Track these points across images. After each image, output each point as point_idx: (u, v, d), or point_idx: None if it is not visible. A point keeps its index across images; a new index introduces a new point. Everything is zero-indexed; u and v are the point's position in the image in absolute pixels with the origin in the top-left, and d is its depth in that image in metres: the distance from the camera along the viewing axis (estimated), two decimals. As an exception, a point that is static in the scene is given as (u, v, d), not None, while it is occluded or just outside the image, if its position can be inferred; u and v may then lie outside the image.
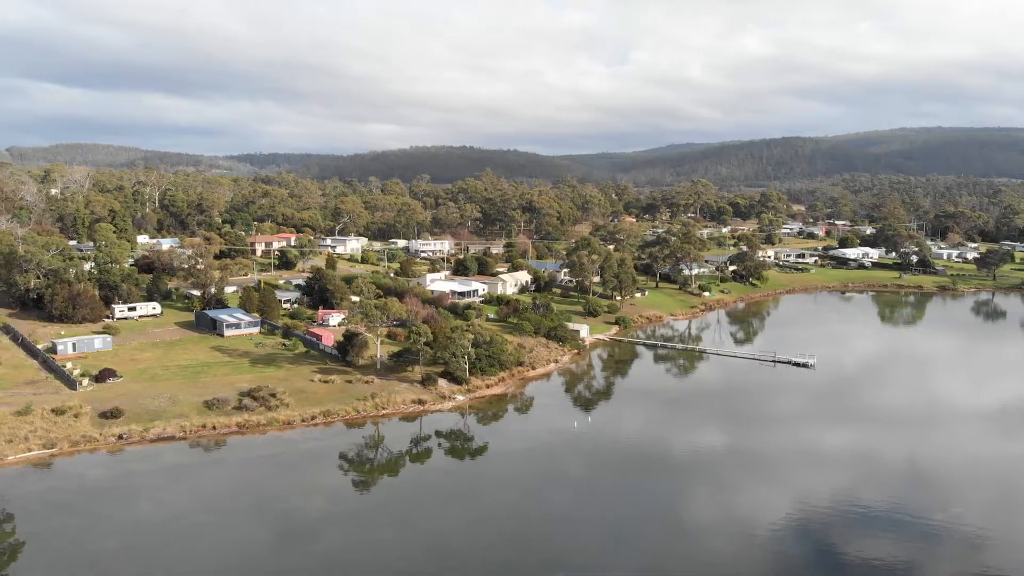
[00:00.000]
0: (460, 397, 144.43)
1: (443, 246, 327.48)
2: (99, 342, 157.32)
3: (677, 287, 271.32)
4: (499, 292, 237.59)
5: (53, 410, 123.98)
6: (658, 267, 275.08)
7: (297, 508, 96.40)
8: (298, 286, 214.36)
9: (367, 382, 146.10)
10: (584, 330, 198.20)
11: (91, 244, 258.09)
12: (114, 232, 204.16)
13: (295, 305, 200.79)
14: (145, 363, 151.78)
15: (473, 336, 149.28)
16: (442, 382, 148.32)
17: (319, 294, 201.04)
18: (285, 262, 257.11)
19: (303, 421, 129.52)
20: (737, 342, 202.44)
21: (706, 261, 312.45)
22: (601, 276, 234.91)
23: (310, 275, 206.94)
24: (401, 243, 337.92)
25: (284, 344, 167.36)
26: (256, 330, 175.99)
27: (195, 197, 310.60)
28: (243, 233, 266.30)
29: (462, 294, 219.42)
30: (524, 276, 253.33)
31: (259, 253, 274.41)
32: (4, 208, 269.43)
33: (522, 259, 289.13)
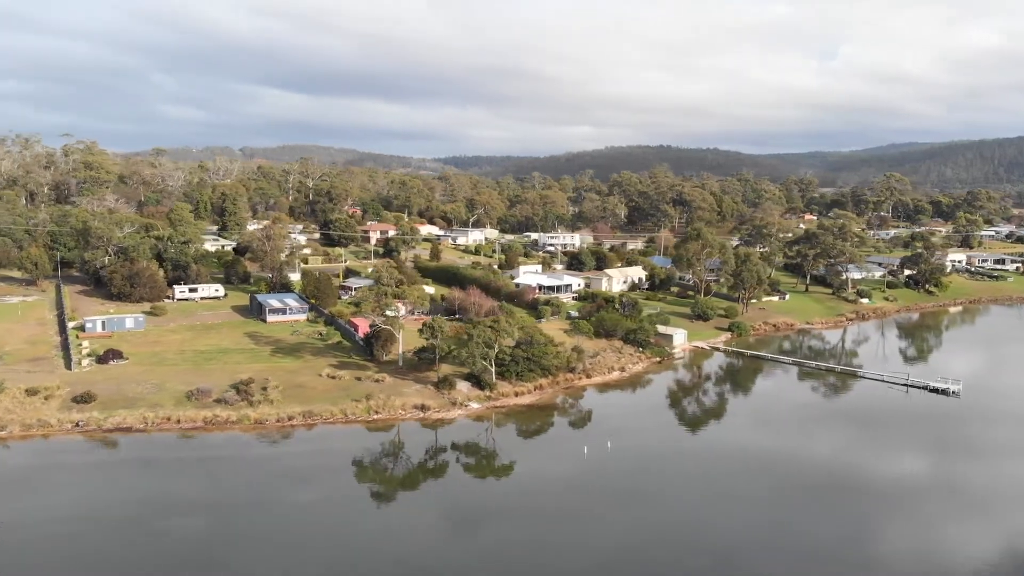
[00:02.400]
0: (475, 405, 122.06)
1: (574, 240, 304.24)
2: (130, 322, 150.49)
3: (830, 291, 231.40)
4: (603, 288, 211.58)
5: (27, 390, 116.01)
6: (808, 267, 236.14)
7: (168, 530, 79.00)
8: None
9: (377, 380, 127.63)
10: (679, 335, 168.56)
11: (211, 227, 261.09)
12: (192, 212, 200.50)
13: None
14: (164, 346, 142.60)
15: (498, 334, 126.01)
16: (463, 386, 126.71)
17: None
18: (388, 251, 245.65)
19: (278, 421, 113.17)
20: (873, 359, 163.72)
21: (878, 264, 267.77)
22: (716, 274, 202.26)
23: (385, 263, 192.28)
24: (534, 236, 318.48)
25: (320, 333, 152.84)
26: (303, 317, 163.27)
27: (326, 186, 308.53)
28: (355, 221, 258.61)
29: (549, 288, 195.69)
30: (637, 272, 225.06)
31: (373, 241, 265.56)
32: (142, 192, 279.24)
33: (642, 256, 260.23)
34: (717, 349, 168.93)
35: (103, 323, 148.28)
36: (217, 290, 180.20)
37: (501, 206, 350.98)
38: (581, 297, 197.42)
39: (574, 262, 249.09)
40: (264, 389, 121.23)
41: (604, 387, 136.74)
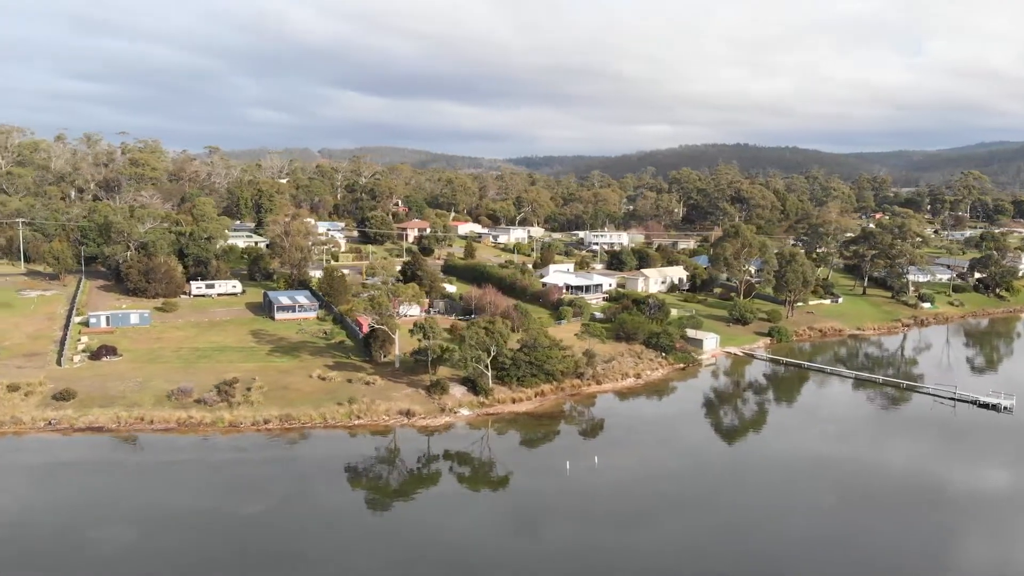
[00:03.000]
0: (465, 412, 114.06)
1: (621, 238, 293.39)
2: (135, 318, 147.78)
3: (889, 295, 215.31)
4: (639, 289, 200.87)
5: (8, 386, 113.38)
6: (866, 269, 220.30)
7: (86, 543, 73.42)
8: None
9: (368, 383, 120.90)
10: (710, 340, 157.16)
11: (249, 224, 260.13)
12: (215, 208, 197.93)
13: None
14: (164, 343, 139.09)
15: (494, 336, 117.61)
16: (457, 391, 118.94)
17: (409, 280, 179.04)
18: (423, 248, 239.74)
19: (253, 424, 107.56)
20: (922, 369, 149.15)
21: (946, 266, 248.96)
22: (760, 275, 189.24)
23: (407, 260, 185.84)
24: (581, 235, 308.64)
25: (325, 332, 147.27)
26: (312, 315, 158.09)
27: (369, 184, 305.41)
28: (390, 218, 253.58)
29: (577, 288, 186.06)
30: (678, 273, 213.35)
31: (411, 239, 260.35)
32: (188, 187, 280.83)
33: (691, 255, 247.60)
34: (751, 356, 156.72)
35: (107, 318, 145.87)
36: (235, 286, 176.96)
37: (549, 204, 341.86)
38: (612, 298, 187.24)
39: (614, 261, 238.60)
40: (248, 390, 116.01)
41: (615, 395, 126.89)
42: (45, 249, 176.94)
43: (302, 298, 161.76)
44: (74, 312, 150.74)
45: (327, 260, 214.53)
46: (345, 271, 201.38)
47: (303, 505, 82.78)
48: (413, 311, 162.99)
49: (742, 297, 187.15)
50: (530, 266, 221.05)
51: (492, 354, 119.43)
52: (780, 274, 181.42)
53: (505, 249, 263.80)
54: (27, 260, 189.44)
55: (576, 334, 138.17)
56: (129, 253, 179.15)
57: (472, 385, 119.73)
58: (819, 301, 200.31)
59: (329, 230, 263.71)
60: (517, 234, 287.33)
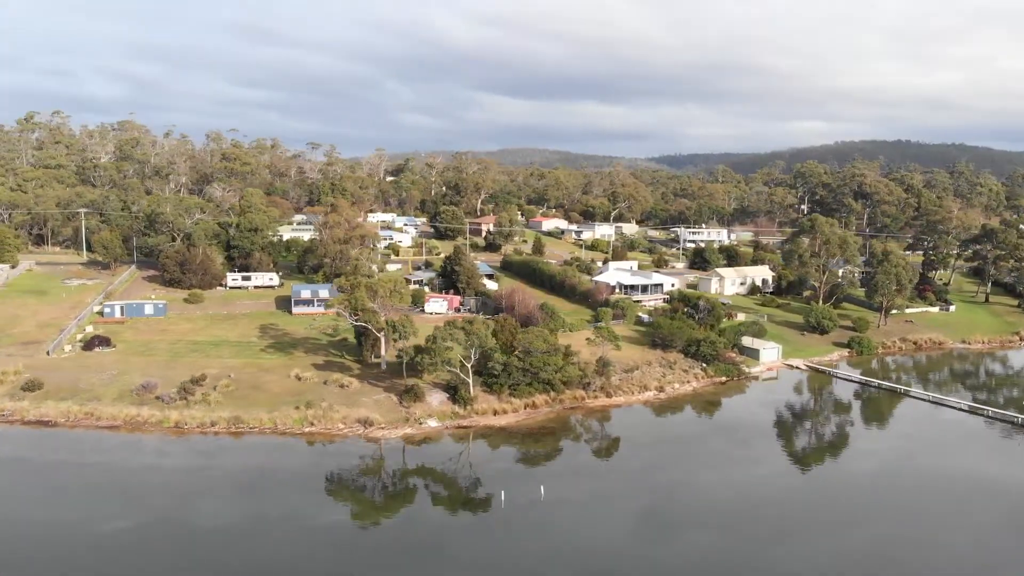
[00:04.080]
0: (433, 423, 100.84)
1: (721, 235, 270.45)
2: (150, 308, 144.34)
3: (1015, 303, 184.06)
4: (712, 291, 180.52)
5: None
6: (989, 272, 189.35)
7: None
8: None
9: (343, 386, 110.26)
10: (770, 351, 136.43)
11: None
12: (263, 201, 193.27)
13: (425, 287, 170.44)
14: (167, 335, 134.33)
15: (471, 336, 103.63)
16: (435, 398, 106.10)
17: (450, 277, 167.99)
18: (490, 244, 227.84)
19: (198, 426, 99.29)
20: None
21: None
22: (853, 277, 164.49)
23: (449, 257, 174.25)
24: (679, 231, 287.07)
25: (334, 329, 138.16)
26: (333, 310, 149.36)
27: (453, 179, 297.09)
28: (461, 213, 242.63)
29: (631, 288, 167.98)
30: (761, 273, 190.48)
31: (484, 234, 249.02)
32: (272, 183, 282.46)
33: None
34: (816, 370, 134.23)
35: (121, 308, 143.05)
36: (271, 279, 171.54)
37: (647, 199, 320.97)
38: (675, 298, 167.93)
39: (697, 260, 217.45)
40: (214, 388, 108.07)
41: (624, 410, 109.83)
42: (96, 239, 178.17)
43: (324, 292, 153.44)
44: (96, 301, 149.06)
45: (387, 255, 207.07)
46: (396, 266, 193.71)
47: (163, 526, 72.16)
48: (439, 308, 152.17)
49: (822, 301, 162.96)
50: (599, 263, 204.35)
51: (474, 358, 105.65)
52: (869, 276, 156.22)
53: (584, 246, 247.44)
54: (90, 250, 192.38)
55: (588, 338, 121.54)
56: (175, 244, 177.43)
57: (455, 393, 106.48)
58: (924, 308, 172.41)
59: (406, 225, 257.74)
60: (604, 230, 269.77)
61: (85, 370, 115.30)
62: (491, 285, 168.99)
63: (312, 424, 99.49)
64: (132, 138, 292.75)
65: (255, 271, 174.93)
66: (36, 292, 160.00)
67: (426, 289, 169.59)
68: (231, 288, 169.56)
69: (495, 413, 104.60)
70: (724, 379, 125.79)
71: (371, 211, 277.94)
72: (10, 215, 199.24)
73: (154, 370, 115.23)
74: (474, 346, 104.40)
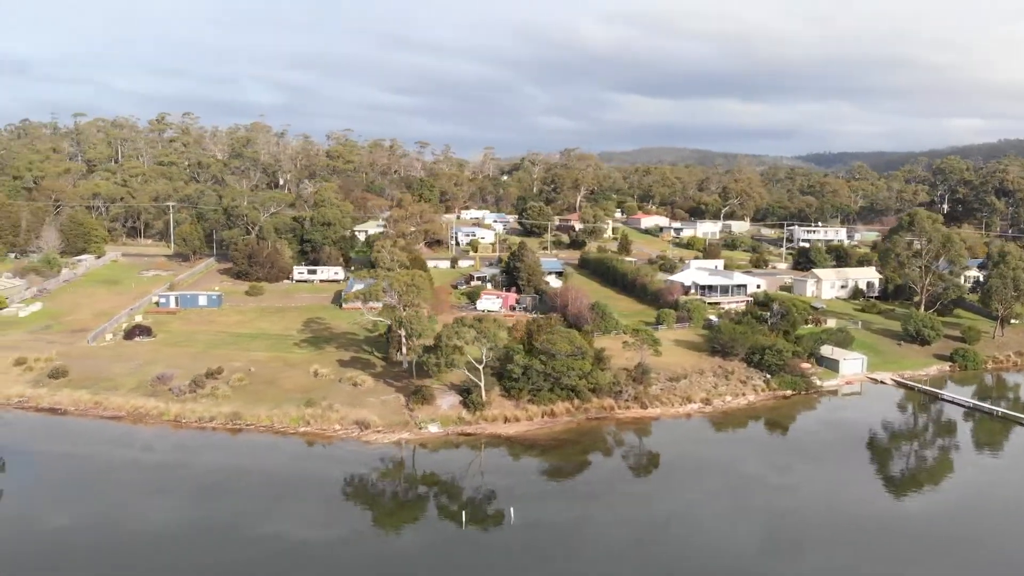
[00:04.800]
0: (434, 428, 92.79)
1: (839, 234, 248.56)
2: (203, 299, 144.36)
3: None
4: (807, 294, 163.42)
5: (16, 360, 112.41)
6: None
7: None
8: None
9: (356, 384, 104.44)
10: (851, 362, 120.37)
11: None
12: (338, 196, 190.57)
13: (488, 284, 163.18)
14: (212, 326, 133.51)
15: (483, 335, 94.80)
16: (447, 401, 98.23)
17: (512, 274, 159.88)
18: (575, 241, 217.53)
19: (196, 421, 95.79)
20: None
21: None
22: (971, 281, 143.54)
23: (513, 253, 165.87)
24: (793, 229, 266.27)
25: (374, 324, 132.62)
26: (380, 305, 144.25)
27: (550, 175, 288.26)
28: (548, 209, 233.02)
29: (708, 288, 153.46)
30: (866, 275, 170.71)
31: (577, 230, 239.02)
32: (368, 180, 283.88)
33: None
34: (904, 385, 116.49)
35: (176, 299, 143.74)
36: (336, 273, 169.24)
37: (763, 196, 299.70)
38: (756, 301, 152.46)
39: (802, 260, 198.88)
40: (227, 382, 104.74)
41: (659, 423, 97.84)
42: (176, 232, 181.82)
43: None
44: (157, 292, 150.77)
45: (466, 251, 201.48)
46: (469, 262, 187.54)
47: (95, 528, 67.68)
48: (492, 305, 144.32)
49: (925, 308, 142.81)
50: (687, 262, 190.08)
51: (485, 359, 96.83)
52: (983, 281, 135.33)
53: (680, 244, 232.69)
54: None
55: (624, 342, 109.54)
56: (248, 237, 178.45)
57: (468, 396, 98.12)
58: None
59: (495, 222, 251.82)
60: (706, 228, 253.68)
61: (116, 359, 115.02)
62: (555, 283, 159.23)
63: (308, 424, 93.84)
64: (244, 136, 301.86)
65: (324, 265, 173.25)
66: (109, 282, 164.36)
67: (488, 286, 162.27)
68: (297, 281, 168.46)
69: (506, 420, 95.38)
70: (789, 392, 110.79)
71: (465, 208, 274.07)
72: (107, 208, 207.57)
73: (181, 361, 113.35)
74: (484, 346, 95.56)
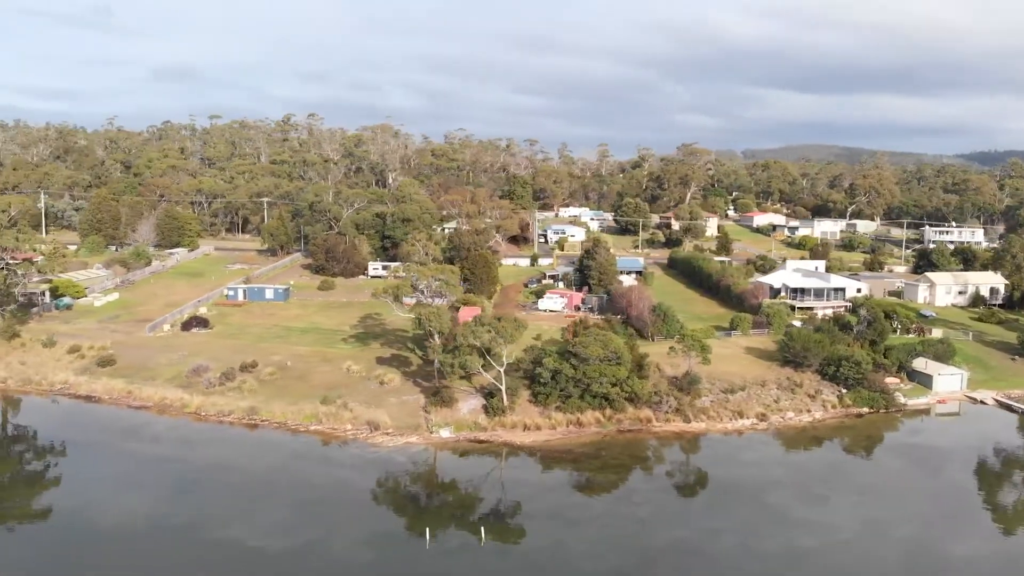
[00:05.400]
0: (445, 433, 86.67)
1: (975, 235, 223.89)
2: (270, 293, 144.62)
3: None
4: (920, 300, 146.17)
5: (71, 347, 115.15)
6: None
7: None
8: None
9: (382, 383, 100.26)
10: (948, 378, 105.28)
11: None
12: (419, 192, 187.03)
13: (559, 283, 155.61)
14: (269, 319, 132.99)
15: (499, 336, 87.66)
16: (468, 405, 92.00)
17: (583, 273, 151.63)
18: (670, 240, 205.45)
19: (215, 414, 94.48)
20: None
21: None
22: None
23: (587, 250, 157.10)
24: (927, 230, 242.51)
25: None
26: (441, 302, 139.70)
27: (656, 171, 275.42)
28: (644, 206, 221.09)
29: (800, 292, 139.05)
30: (991, 280, 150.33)
31: (676, 228, 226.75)
32: (474, 177, 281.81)
33: None
34: (1009, 407, 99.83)
35: (243, 292, 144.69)
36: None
37: (893, 194, 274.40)
38: (855, 307, 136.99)
39: (922, 263, 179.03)
40: (258, 376, 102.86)
41: (697, 440, 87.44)
42: (264, 227, 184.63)
43: (437, 283, 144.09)
44: (229, 285, 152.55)
45: (554, 249, 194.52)
46: (547, 260, 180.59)
47: (56, 522, 65.67)
48: (554, 305, 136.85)
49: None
50: (780, 262, 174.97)
51: (506, 361, 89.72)
52: None
53: (791, 244, 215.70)
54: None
55: (671, 347, 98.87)
56: (330, 232, 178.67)
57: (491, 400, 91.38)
58: None
59: (592, 219, 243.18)
60: (824, 227, 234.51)
61: (165, 350, 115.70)
62: (628, 282, 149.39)
63: (320, 422, 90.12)
64: (355, 136, 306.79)
65: (403, 261, 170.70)
66: (193, 274, 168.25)
67: (560, 284, 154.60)
68: (372, 277, 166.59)
69: (526, 428, 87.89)
70: (865, 410, 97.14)
71: (565, 205, 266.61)
72: (209, 203, 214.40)
73: (224, 354, 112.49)
74: (503, 347, 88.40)
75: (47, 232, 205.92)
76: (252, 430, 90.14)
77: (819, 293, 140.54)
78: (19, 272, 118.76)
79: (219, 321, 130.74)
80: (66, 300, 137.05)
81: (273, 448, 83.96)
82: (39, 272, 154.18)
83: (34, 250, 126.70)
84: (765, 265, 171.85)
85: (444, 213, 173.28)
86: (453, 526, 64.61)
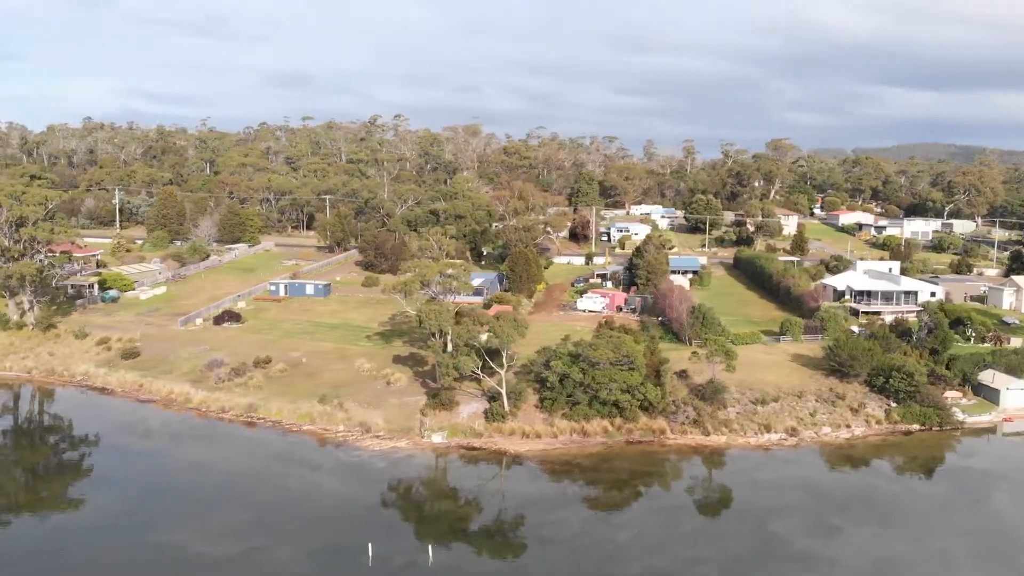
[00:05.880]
0: (437, 439, 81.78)
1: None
2: (310, 288, 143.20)
3: None
4: (1006, 305, 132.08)
5: (100, 339, 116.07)
6: None
7: None
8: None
9: (389, 382, 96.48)
10: (1017, 393, 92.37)
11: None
12: (471, 188, 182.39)
13: (607, 283, 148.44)
14: (302, 315, 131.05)
15: (497, 335, 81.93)
16: (470, 408, 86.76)
17: (631, 272, 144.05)
18: (741, 238, 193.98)
19: (215, 411, 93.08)
20: None
21: None
22: None
23: (637, 248, 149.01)
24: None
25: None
26: (479, 299, 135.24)
27: (735, 167, 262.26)
28: (716, 202, 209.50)
29: (866, 295, 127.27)
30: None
31: (743, 225, 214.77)
32: (546, 175, 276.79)
33: None
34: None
35: (285, 287, 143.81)
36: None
37: (996, 192, 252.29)
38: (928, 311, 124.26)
39: (1015, 264, 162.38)
40: (267, 374, 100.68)
41: (713, 456, 79.36)
42: (320, 223, 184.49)
43: (478, 281, 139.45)
44: (271, 281, 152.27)
45: (614, 247, 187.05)
46: (601, 259, 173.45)
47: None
48: (594, 305, 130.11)
49: None
50: (856, 260, 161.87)
51: (508, 364, 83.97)
52: None
53: (875, 244, 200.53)
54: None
55: (693, 352, 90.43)
56: (383, 229, 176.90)
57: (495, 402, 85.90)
58: None
59: (663, 216, 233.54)
60: (916, 226, 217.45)
61: (189, 343, 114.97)
62: (682, 281, 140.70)
63: (313, 422, 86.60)
64: (429, 135, 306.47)
65: (450, 259, 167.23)
66: (245, 270, 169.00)
67: (608, 284, 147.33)
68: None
69: (525, 436, 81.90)
70: (915, 427, 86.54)
71: (639, 203, 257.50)
72: (277, 200, 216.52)
73: (244, 349, 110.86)
74: (503, 348, 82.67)
75: (121, 227, 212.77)
76: (250, 428, 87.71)
77: (887, 296, 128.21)
78: (56, 265, 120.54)
79: (254, 316, 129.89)
80: (112, 293, 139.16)
81: (259, 447, 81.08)
82: (98, 265, 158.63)
83: (72, 242, 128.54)
84: (839, 266, 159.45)
85: (501, 210, 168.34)
86: (404, 542, 59.44)
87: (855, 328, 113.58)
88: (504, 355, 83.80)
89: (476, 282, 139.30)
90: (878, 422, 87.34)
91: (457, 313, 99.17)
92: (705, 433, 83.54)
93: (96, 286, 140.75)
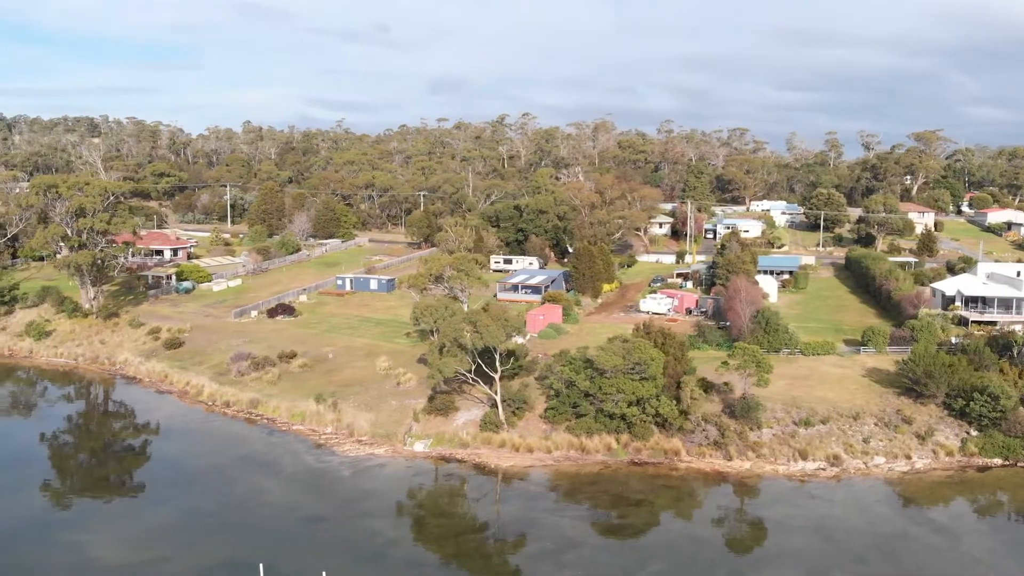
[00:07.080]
0: (419, 447, 74.97)
1: None
2: (374, 284, 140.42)
3: None
4: None
5: (151, 330, 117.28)
6: None
7: None
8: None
9: (399, 383, 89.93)
10: None
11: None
12: (552, 182, 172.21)
13: (686, 282, 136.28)
14: (361, 310, 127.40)
15: (479, 337, 73.60)
16: (467, 416, 79.17)
17: (711, 273, 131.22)
18: (861, 237, 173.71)
19: (220, 405, 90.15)
20: None
21: None
22: None
23: (722, 246, 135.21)
24: None
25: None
26: (537, 298, 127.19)
27: (871, 160, 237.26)
28: (838, 197, 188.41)
29: (979, 301, 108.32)
30: None
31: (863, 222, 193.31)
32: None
33: None
34: None
35: (351, 282, 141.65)
36: (531, 263, 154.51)
37: None
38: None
39: None
40: (285, 369, 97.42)
41: (732, 486, 67.65)
42: (408, 219, 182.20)
43: (538, 279, 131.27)
44: (340, 275, 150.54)
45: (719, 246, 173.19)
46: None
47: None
48: (659, 308, 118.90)
49: None
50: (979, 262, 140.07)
51: (501, 367, 75.65)
52: None
53: (1022, 246, 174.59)
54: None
55: (722, 363, 77.86)
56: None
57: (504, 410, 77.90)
58: None
59: (783, 213, 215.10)
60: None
61: (234, 335, 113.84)
62: (768, 283, 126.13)
63: (303, 422, 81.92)
64: (544, 131, 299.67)
65: (527, 255, 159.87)
66: (328, 264, 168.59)
67: (689, 284, 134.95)
68: (493, 271, 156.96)
69: (515, 449, 73.33)
70: (998, 461, 70.61)
71: (759, 198, 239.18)
72: (379, 196, 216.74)
73: (282, 343, 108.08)
74: (488, 346, 74.47)
75: (232, 222, 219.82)
76: (250, 424, 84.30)
77: (1005, 304, 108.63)
78: (118, 255, 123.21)
79: (310, 310, 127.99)
80: (186, 284, 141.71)
81: (237, 446, 77.25)
82: (189, 257, 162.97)
83: (132, 232, 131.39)
84: (965, 268, 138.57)
85: (578, 203, 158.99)
86: (303, 563, 52.63)
87: (954, 339, 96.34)
88: (496, 356, 75.55)
89: (538, 279, 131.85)
90: (949, 453, 71.99)
91: (483, 309, 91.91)
92: (727, 457, 71.64)
93: (173, 277, 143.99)
